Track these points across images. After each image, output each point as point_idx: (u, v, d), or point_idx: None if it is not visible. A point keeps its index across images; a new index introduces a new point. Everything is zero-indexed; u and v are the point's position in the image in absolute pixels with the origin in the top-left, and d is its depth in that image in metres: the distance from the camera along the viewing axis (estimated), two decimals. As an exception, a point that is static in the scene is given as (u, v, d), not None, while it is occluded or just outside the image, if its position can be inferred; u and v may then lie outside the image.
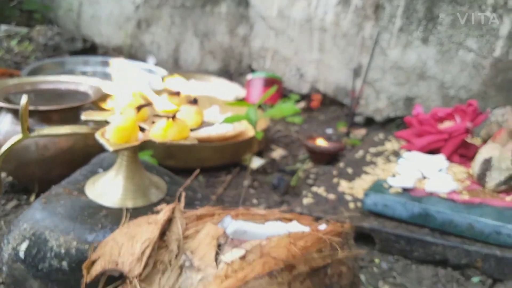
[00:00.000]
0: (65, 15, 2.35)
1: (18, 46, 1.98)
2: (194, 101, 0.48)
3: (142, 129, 0.46)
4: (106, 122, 0.46)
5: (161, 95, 0.50)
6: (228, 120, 0.86)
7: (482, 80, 1.17)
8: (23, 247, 0.46)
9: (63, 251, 0.44)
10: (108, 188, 0.50)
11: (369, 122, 1.38)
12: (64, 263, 0.44)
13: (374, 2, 1.31)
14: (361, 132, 1.31)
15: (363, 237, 0.66)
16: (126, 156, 0.49)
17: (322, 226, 0.44)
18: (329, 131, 1.30)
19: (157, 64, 1.90)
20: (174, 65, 1.90)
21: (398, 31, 1.27)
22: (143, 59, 1.95)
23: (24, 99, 0.46)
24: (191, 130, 0.47)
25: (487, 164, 0.69)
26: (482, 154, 0.71)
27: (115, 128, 0.43)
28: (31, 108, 0.65)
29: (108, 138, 0.43)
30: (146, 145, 0.77)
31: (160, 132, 0.45)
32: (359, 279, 0.41)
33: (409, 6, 1.24)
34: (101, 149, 0.72)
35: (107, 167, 0.56)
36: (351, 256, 0.38)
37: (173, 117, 0.45)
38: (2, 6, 2.32)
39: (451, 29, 1.19)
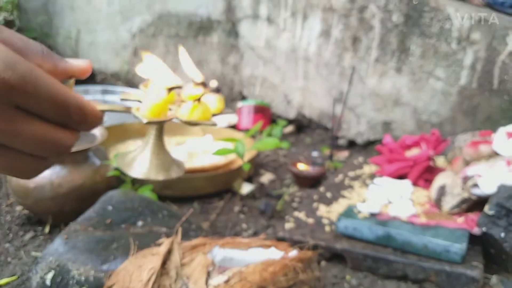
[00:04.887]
0: (63, 42, 2.46)
1: (21, 75, 2.07)
2: (217, 90, 0.58)
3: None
4: (139, 102, 0.56)
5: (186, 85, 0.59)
6: (219, 153, 0.97)
7: (450, 106, 1.28)
8: (49, 276, 0.56)
9: (83, 279, 0.54)
10: (135, 161, 0.59)
11: (352, 145, 1.49)
12: (84, 289, 0.54)
13: (352, 35, 1.43)
14: (344, 154, 1.42)
15: (336, 256, 0.77)
16: (153, 135, 0.58)
17: (293, 253, 0.54)
18: (315, 154, 1.41)
19: (153, 90, 2.00)
20: (170, 91, 2.00)
21: (374, 62, 1.39)
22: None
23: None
24: (213, 115, 0.56)
25: (441, 190, 0.80)
26: (437, 182, 0.82)
27: (149, 104, 0.52)
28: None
29: (142, 113, 0.52)
30: (146, 181, 0.87)
31: (186, 112, 0.54)
32: (321, 295, 0.51)
33: (384, 38, 1.36)
34: (107, 185, 0.83)
35: (115, 204, 0.67)
36: (312, 277, 0.48)
37: (199, 99, 0.54)
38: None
39: (421, 60, 1.31)
